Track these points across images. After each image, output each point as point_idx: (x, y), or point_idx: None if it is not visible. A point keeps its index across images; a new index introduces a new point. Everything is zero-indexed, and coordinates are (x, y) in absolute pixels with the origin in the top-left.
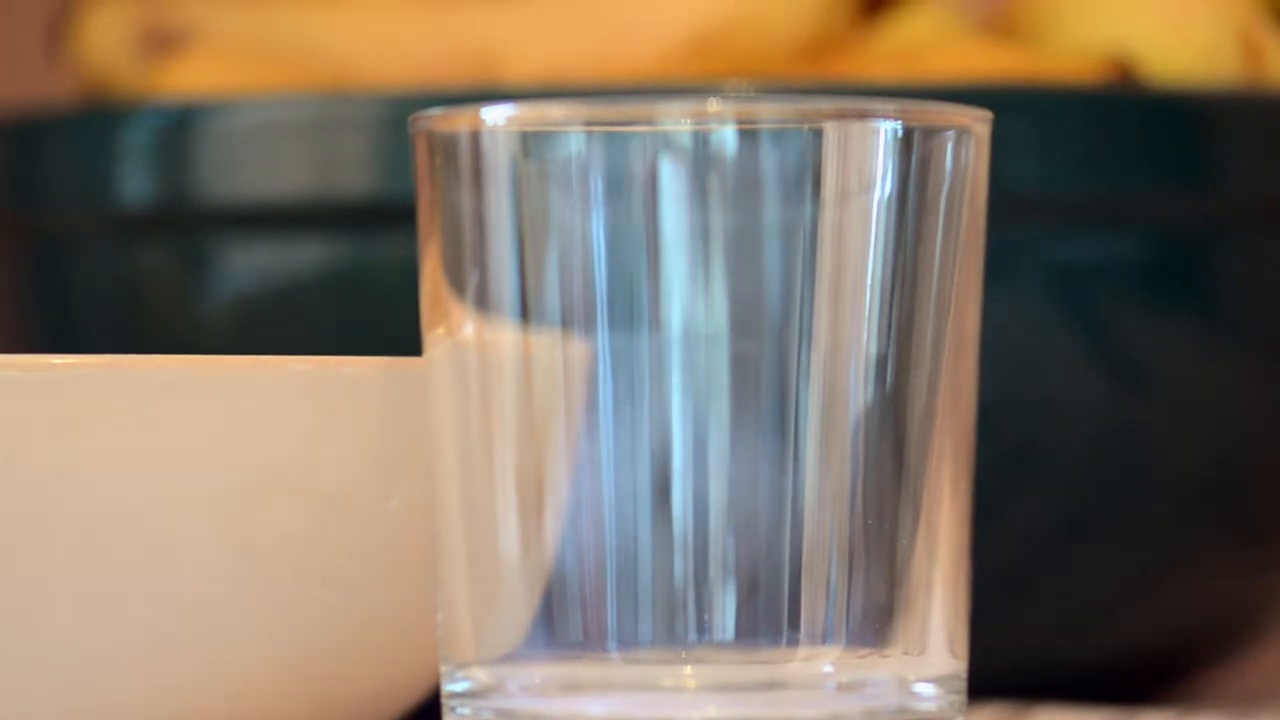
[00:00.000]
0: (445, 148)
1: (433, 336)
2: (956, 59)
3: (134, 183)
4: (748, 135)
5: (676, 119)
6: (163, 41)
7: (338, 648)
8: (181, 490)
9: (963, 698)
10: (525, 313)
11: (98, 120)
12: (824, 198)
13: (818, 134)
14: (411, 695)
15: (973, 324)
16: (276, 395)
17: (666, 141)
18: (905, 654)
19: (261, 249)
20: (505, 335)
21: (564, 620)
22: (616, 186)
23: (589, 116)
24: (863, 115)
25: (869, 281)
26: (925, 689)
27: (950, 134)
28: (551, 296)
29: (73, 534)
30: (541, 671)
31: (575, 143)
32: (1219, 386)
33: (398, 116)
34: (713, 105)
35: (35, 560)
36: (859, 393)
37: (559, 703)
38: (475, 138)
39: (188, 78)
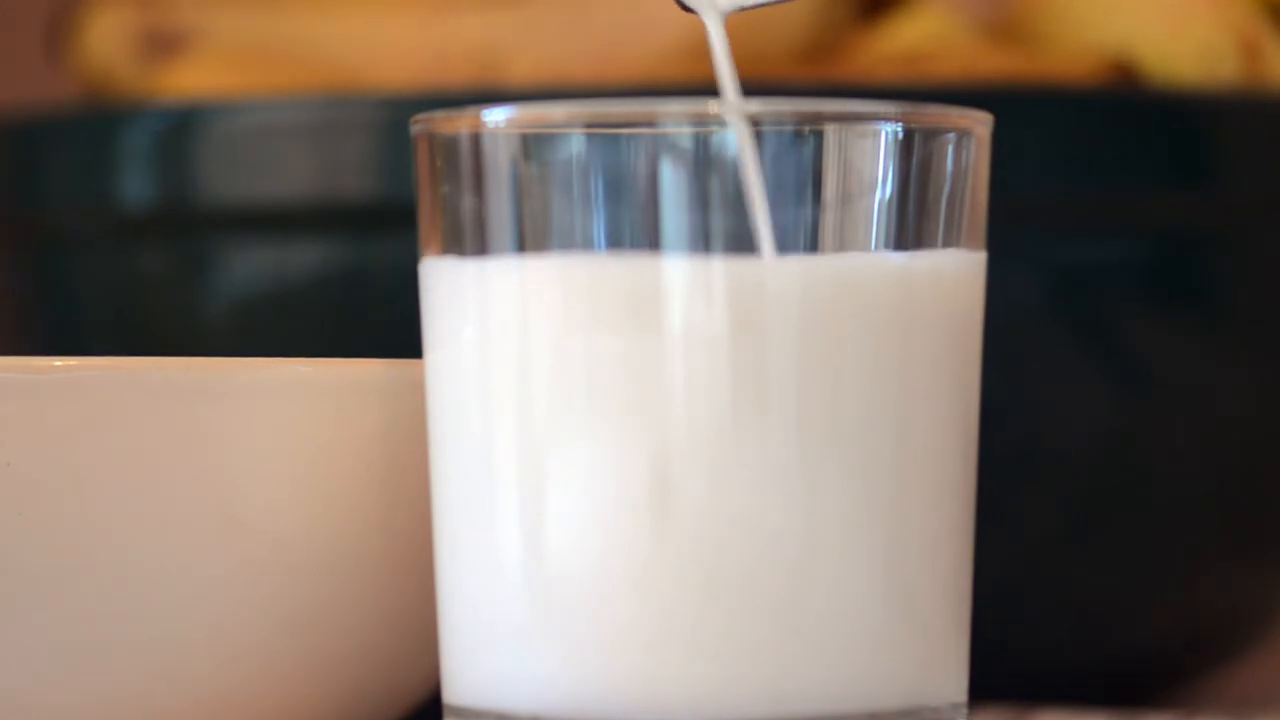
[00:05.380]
0: (446, 149)
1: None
2: (957, 61)
3: (135, 184)
4: None
5: (677, 120)
6: (164, 43)
7: (337, 648)
8: (182, 491)
9: (964, 699)
10: (526, 315)
11: (99, 122)
12: (825, 199)
13: (818, 136)
14: (411, 695)
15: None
16: (277, 396)
17: (667, 143)
18: (907, 654)
19: (262, 251)
20: (506, 337)
21: (564, 621)
22: (617, 188)
23: (589, 118)
24: (863, 117)
25: None
26: (927, 689)
27: (951, 136)
28: (552, 298)
29: (74, 535)
30: (541, 673)
31: (576, 144)
32: (1219, 387)
33: (398, 118)
34: (713, 107)
35: (36, 561)
36: (860, 394)
37: (559, 703)
38: (476, 139)
39: (189, 79)
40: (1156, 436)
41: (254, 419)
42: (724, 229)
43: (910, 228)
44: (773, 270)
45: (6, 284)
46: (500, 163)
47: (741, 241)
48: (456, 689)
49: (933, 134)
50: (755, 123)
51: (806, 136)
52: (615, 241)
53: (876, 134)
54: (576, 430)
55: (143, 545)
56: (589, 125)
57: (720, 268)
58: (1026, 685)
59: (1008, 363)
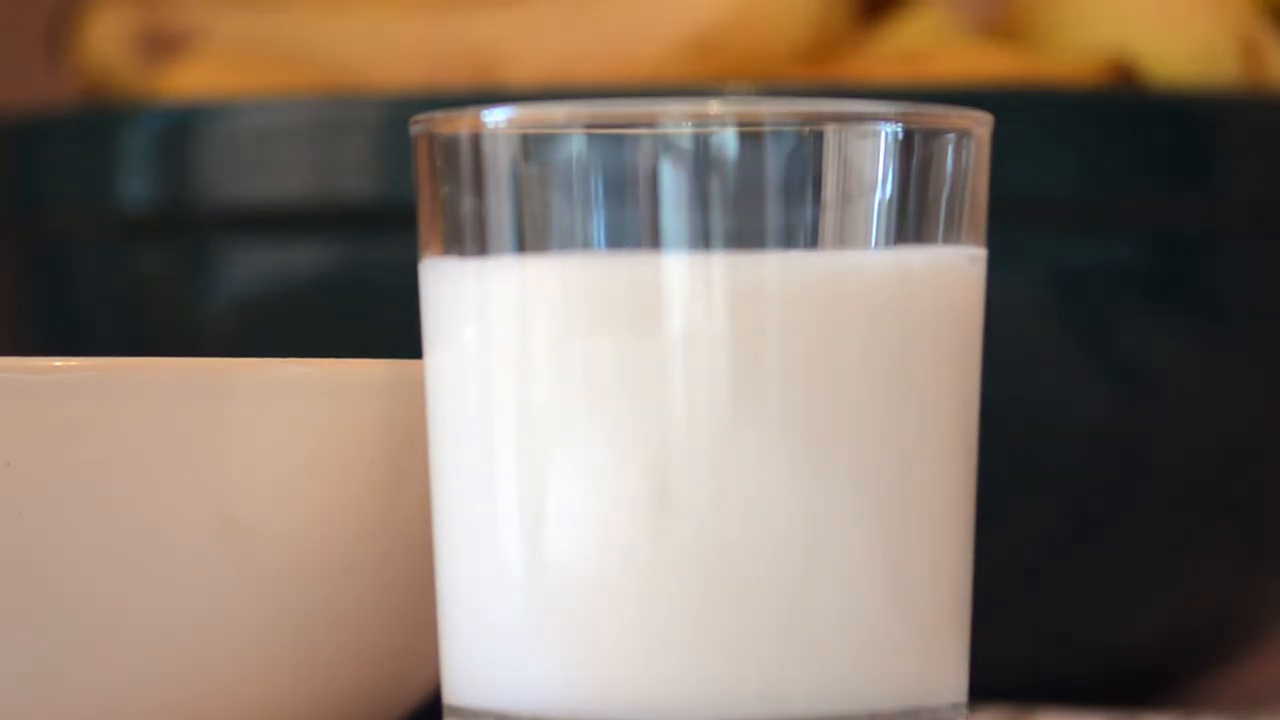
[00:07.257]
0: (446, 150)
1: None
2: (957, 61)
3: (136, 184)
4: (749, 137)
5: (677, 121)
6: (164, 43)
7: (338, 648)
8: (182, 491)
9: (964, 699)
10: (526, 315)
11: (100, 122)
12: (825, 200)
13: (818, 136)
14: (411, 695)
15: None
16: (277, 396)
17: (667, 144)
18: (908, 654)
19: (262, 251)
20: (506, 337)
21: (564, 621)
22: (617, 188)
23: (590, 118)
24: (863, 118)
25: None
26: (927, 689)
27: (951, 136)
28: (552, 298)
29: (74, 535)
30: (541, 673)
31: (576, 145)
32: (1218, 387)
33: (398, 118)
34: (713, 107)
35: (36, 561)
36: (860, 394)
37: (559, 703)
38: (476, 140)
39: (189, 80)
40: (1156, 436)
41: (254, 419)
42: (724, 229)
43: (910, 228)
44: (773, 269)
45: (6, 284)
46: (500, 163)
47: (742, 241)
48: (456, 689)
49: (933, 134)
50: (756, 123)
51: (806, 136)
52: (615, 241)
53: (876, 134)
54: (576, 430)
55: (142, 545)
56: (589, 125)
57: (720, 267)
58: (1026, 685)
59: (1008, 363)
